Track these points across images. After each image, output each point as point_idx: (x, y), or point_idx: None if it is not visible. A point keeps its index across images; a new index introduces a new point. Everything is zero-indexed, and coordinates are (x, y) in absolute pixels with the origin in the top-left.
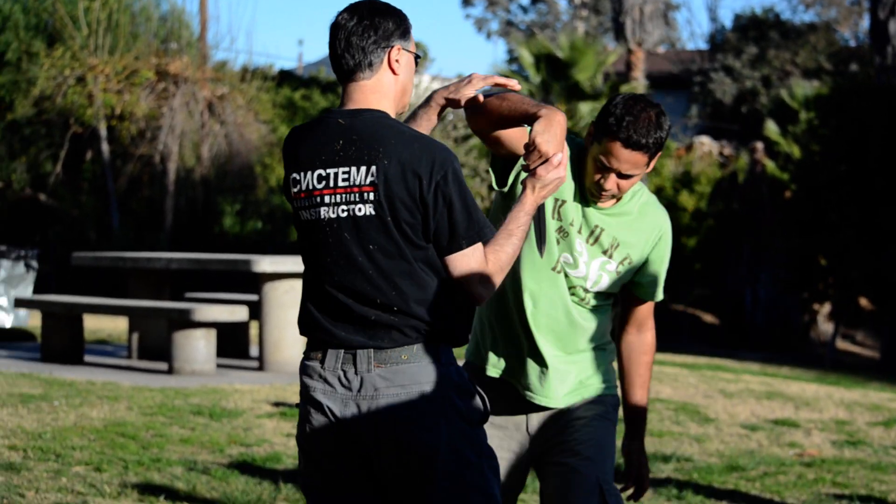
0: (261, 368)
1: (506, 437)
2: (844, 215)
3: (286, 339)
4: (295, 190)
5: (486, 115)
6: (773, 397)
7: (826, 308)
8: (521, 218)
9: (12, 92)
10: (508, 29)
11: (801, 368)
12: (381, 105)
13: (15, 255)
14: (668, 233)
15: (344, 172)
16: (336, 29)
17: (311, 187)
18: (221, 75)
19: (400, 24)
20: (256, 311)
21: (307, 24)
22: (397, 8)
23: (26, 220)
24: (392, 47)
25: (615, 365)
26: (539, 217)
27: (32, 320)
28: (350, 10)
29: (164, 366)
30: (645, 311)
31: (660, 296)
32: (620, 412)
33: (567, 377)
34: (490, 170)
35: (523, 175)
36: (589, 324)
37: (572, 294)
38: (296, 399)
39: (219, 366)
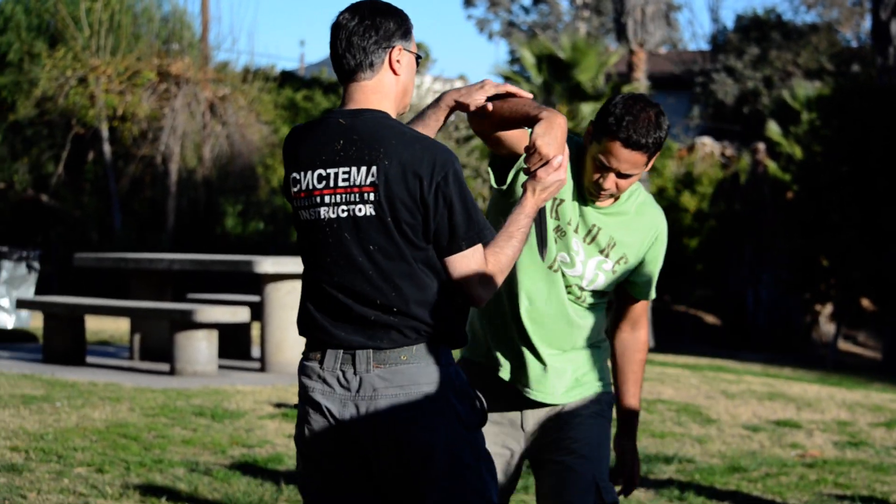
0: (263, 369)
1: (500, 433)
2: (846, 216)
3: (288, 340)
4: (295, 189)
5: (488, 117)
6: (774, 398)
7: (828, 309)
8: (521, 220)
9: (14, 93)
10: (510, 30)
11: (803, 369)
12: (381, 105)
13: (17, 256)
14: (665, 233)
15: (344, 172)
16: (337, 29)
17: (311, 187)
18: (223, 76)
19: (401, 25)
20: (258, 312)
21: (309, 24)
22: (399, 8)
23: (28, 221)
24: (393, 47)
25: (609, 363)
26: (540, 220)
27: (34, 321)
28: (351, 10)
29: (165, 367)
30: (639, 310)
31: (653, 294)
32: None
33: (564, 374)
34: (490, 169)
35: (523, 174)
36: (585, 322)
37: (569, 292)
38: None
39: (221, 367)
